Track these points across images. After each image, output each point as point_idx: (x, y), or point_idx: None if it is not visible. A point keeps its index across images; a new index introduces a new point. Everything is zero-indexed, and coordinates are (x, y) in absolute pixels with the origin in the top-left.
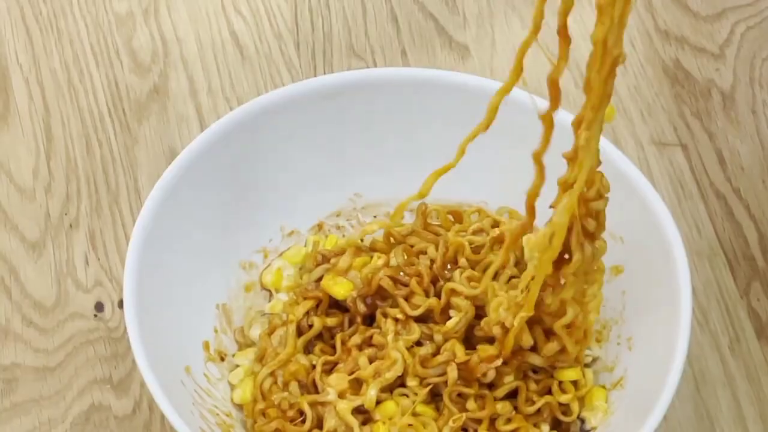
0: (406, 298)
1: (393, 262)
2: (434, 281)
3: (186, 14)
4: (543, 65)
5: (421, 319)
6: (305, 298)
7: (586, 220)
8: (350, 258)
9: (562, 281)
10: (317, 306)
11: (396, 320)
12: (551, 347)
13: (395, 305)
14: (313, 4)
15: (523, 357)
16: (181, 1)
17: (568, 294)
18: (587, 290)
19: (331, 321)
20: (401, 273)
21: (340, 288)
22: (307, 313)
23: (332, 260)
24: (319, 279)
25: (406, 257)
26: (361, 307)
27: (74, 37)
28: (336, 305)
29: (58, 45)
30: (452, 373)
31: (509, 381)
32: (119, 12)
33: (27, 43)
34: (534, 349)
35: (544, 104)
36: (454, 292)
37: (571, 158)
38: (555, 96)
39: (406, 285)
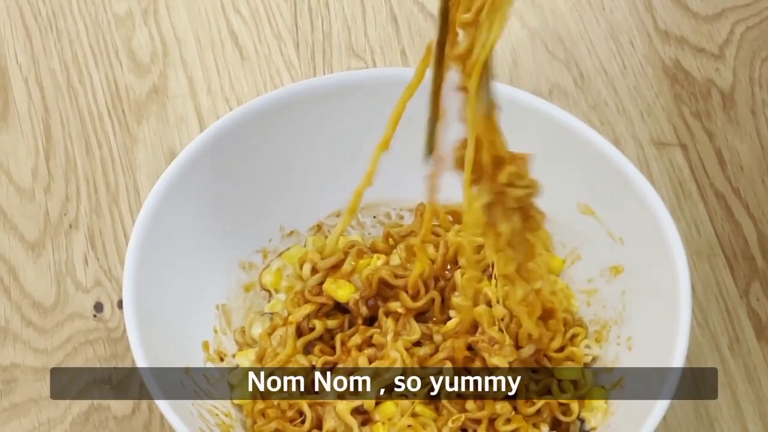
0: (407, 291)
1: (394, 261)
2: (435, 281)
3: (185, 14)
4: (538, 65)
5: (421, 320)
6: (307, 301)
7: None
8: (354, 261)
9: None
10: (318, 309)
11: (396, 319)
12: (523, 332)
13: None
14: (313, 4)
15: (518, 356)
16: (180, 2)
17: (509, 269)
18: (529, 265)
19: (331, 323)
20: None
21: (343, 291)
22: (308, 315)
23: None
24: (321, 282)
25: (405, 256)
26: (363, 310)
27: (73, 37)
28: (337, 306)
29: (58, 45)
30: (448, 372)
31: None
32: (118, 12)
33: (26, 43)
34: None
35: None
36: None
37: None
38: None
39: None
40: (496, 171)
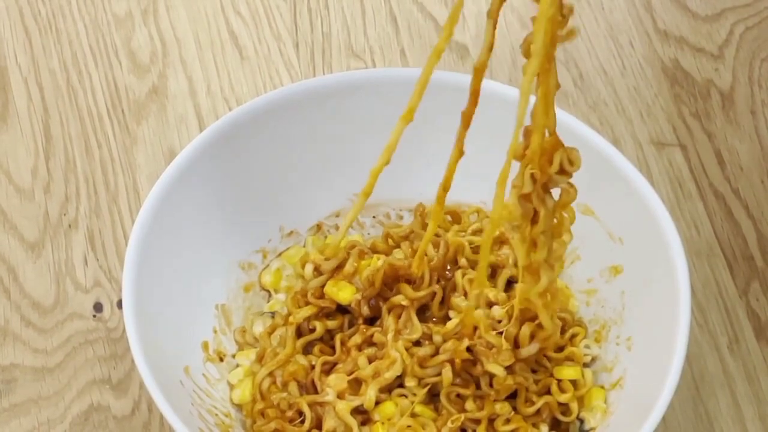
0: (409, 281)
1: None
2: (436, 280)
3: (185, 15)
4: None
5: (421, 320)
6: (308, 303)
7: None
8: (356, 262)
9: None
10: (319, 310)
11: (398, 315)
12: (524, 333)
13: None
14: (312, 4)
15: (517, 355)
16: (180, 2)
17: (541, 255)
18: (554, 248)
19: (331, 323)
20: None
21: (344, 293)
22: (308, 316)
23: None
24: (323, 284)
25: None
26: (365, 310)
27: (73, 37)
28: (337, 307)
29: (57, 45)
30: (447, 373)
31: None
32: (118, 12)
33: (26, 43)
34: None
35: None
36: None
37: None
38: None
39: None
40: (544, 159)
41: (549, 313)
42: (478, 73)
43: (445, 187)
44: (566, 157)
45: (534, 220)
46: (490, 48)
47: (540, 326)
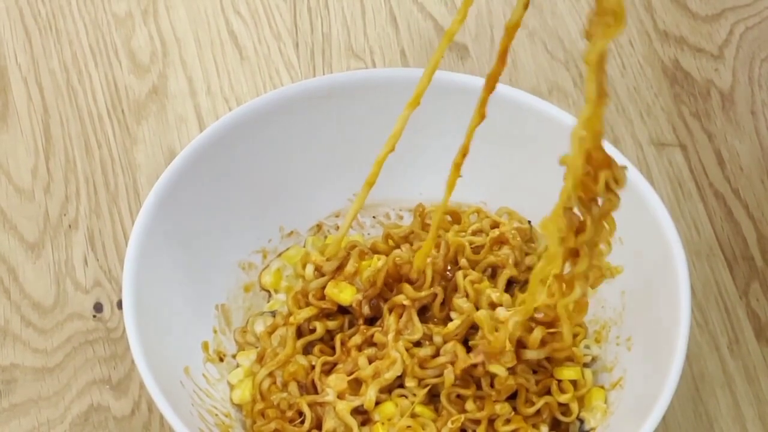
0: (410, 281)
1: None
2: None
3: (185, 15)
4: (538, 65)
5: (421, 320)
6: (309, 304)
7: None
8: (356, 262)
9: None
10: (320, 311)
11: (400, 315)
12: (534, 337)
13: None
14: (312, 4)
15: (520, 356)
16: (180, 2)
17: (582, 267)
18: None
19: (332, 324)
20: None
21: (346, 294)
22: (309, 317)
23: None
24: (324, 286)
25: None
26: (366, 310)
27: (73, 37)
28: (337, 307)
29: (57, 45)
30: (449, 375)
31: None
32: (118, 12)
33: (26, 43)
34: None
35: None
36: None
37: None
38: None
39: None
40: (591, 174)
41: (572, 325)
42: (510, 31)
43: (464, 153)
44: (612, 178)
45: (579, 230)
46: (526, 5)
47: (552, 334)
